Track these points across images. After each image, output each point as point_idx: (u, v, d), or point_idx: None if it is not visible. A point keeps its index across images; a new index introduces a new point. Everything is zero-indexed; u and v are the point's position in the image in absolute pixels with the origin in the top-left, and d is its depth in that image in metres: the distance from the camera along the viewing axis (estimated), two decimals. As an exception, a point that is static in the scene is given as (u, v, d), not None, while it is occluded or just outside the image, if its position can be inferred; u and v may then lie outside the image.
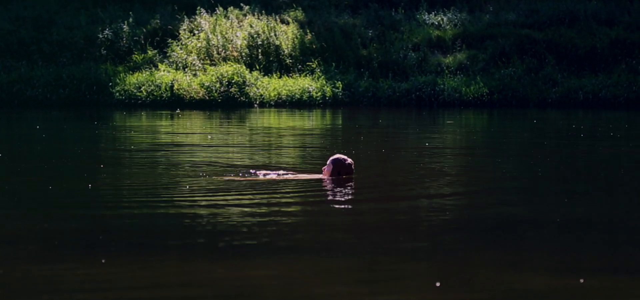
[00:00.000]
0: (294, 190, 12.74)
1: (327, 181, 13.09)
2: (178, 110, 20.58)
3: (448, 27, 36.97)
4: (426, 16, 37.52)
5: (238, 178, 13.49)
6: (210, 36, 35.30)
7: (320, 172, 13.60)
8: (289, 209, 11.44)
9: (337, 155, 13.33)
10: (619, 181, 14.44)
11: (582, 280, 7.88)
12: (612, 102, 33.61)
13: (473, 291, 7.65)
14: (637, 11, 36.90)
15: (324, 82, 33.79)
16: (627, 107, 33.09)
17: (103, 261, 8.51)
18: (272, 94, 33.31)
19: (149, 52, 35.01)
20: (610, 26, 36.30)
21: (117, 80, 33.24)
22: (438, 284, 7.69)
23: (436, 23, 37.23)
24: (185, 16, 36.62)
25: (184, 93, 32.88)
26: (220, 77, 33.28)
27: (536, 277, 8.08)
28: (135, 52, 35.07)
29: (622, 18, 36.64)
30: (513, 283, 7.90)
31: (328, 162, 13.29)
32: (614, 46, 35.52)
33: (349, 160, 13.26)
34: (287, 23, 36.50)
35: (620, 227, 10.44)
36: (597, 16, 36.68)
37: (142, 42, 35.55)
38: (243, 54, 35.03)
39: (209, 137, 21.54)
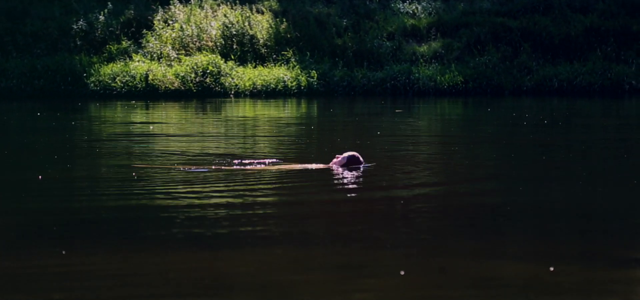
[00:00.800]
0: (269, 181, 12.74)
1: (335, 170, 13.32)
2: (151, 127, 20.47)
3: (422, 15, 37.02)
4: (401, 5, 37.55)
5: (241, 167, 13.59)
6: (184, 26, 35.20)
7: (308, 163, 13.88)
8: (264, 200, 11.44)
9: (353, 153, 13.56)
10: (594, 169, 14.51)
11: (552, 269, 7.92)
12: (587, 89, 33.77)
13: (447, 279, 7.68)
14: (611, -2, 37.09)
15: (299, 72, 33.77)
16: (602, 94, 33.26)
17: (64, 251, 8.47)
18: (247, 84, 33.27)
19: (124, 43, 34.88)
20: (584, 14, 36.45)
21: (92, 71, 33.10)
22: (402, 273, 7.71)
23: (411, 12, 37.28)
24: (159, 6, 36.50)
25: (159, 84, 32.79)
26: (195, 67, 33.21)
27: (510, 265, 8.12)
28: (110, 43, 34.92)
29: (596, 5, 36.80)
30: (487, 271, 7.93)
31: (343, 156, 13.49)
32: (589, 34, 35.67)
33: (361, 159, 13.59)
34: (262, 13, 36.45)
35: (594, 215, 10.50)
36: (571, 4, 36.83)
37: (117, 32, 35.41)
38: (218, 43, 34.96)
39: (151, 127, 21.36)
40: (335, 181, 12.71)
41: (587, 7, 36.79)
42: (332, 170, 13.40)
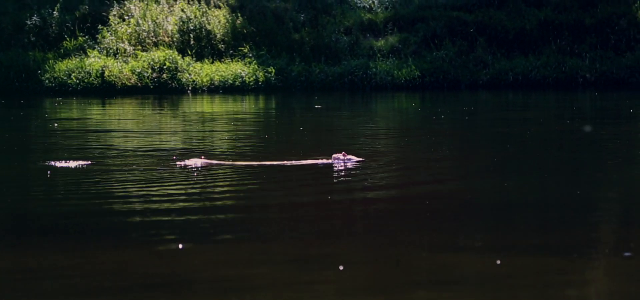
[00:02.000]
0: (230, 178, 12.73)
1: (336, 162, 13.52)
2: (56, 124, 20.26)
3: (379, 10, 37.11)
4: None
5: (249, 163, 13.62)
6: (140, 22, 35.00)
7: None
8: (224, 196, 11.43)
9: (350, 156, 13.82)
10: (549, 161, 14.65)
11: (508, 261, 8.00)
12: (542, 82, 34.06)
13: (405, 273, 7.73)
14: (564, -8, 37.39)
15: (256, 67, 33.74)
16: (556, 87, 33.56)
17: (18, 250, 8.43)
18: (204, 80, 33.17)
19: (80, 39, 34.61)
20: (538, 8, 36.73)
21: (47, 67, 32.83)
22: (341, 267, 7.75)
23: (367, 6, 37.35)
24: (114, 2, 36.26)
25: (115, 80, 32.60)
26: (151, 63, 33.05)
27: (468, 258, 8.18)
28: (66, 39, 34.64)
29: None
30: (444, 263, 7.99)
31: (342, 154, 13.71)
32: (543, 27, 35.96)
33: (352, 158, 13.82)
34: (219, 7, 36.34)
35: (551, 206, 10.61)
36: (525, -2, 37.10)
37: (72, 28, 35.14)
38: (174, 39, 34.80)
39: (55, 124, 21.12)
40: (295, 178, 12.72)
41: (541, 1, 37.07)
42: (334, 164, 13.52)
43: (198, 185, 11.92)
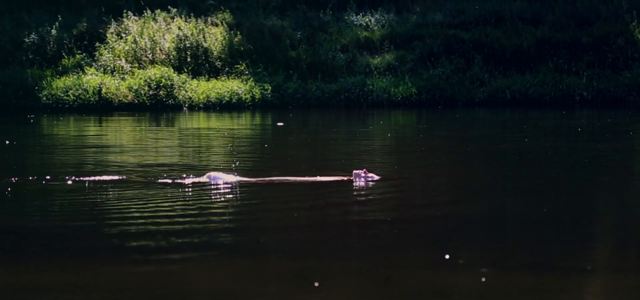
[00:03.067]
0: (224, 195, 12.72)
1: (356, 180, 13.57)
2: (7, 142, 20.15)
3: (376, 27, 37.17)
4: (354, 17, 37.68)
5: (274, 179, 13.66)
6: (137, 39, 35.05)
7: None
8: (218, 213, 11.43)
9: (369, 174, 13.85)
10: (546, 178, 14.66)
11: (504, 278, 8.00)
12: (539, 100, 34.10)
13: (399, 290, 7.72)
14: (561, 10, 37.47)
15: (253, 84, 33.76)
16: (553, 105, 33.59)
17: (13, 267, 8.42)
18: (201, 97, 33.19)
19: (77, 56, 34.64)
20: (535, 26, 36.80)
21: (44, 84, 32.85)
22: (316, 284, 7.75)
23: (364, 24, 37.41)
24: (112, 19, 36.31)
25: (112, 97, 32.63)
26: (148, 80, 33.08)
27: (462, 275, 8.18)
28: (64, 56, 34.67)
29: (547, 17, 37.17)
30: (439, 281, 7.99)
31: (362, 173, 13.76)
32: (540, 45, 36.02)
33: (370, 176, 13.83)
34: (216, 25, 36.39)
35: (547, 224, 10.61)
36: (522, 16, 37.17)
37: (70, 45, 35.17)
38: (171, 56, 34.83)
39: (7, 142, 20.90)
40: (290, 195, 12.73)
41: (538, 19, 37.15)
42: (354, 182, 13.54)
43: (195, 202, 11.91)
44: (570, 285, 7.87)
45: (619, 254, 9.02)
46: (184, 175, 14.10)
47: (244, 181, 13.59)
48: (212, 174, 13.78)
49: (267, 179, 13.76)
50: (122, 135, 23.47)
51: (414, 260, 8.72)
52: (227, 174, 13.86)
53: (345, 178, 13.73)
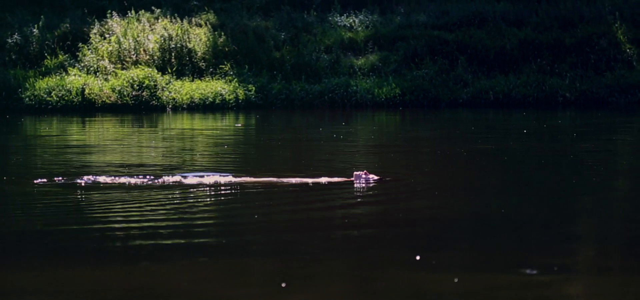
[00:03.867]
0: (207, 195, 12.71)
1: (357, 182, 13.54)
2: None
3: (360, 28, 37.20)
4: (338, 18, 37.70)
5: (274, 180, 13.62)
6: (121, 40, 34.96)
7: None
8: (202, 213, 11.41)
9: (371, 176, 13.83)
10: (528, 178, 14.70)
11: (487, 278, 8.01)
12: (522, 101, 34.19)
13: (381, 291, 7.73)
14: (544, 12, 37.59)
15: (237, 85, 33.74)
16: (537, 106, 33.68)
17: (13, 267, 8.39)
18: (184, 98, 33.14)
19: (60, 57, 34.53)
20: (518, 27, 36.90)
21: (27, 85, 32.74)
22: (283, 285, 7.75)
23: (348, 25, 37.44)
24: (95, 20, 36.21)
25: (96, 97, 32.54)
26: (131, 81, 33.01)
27: (444, 276, 8.19)
28: (47, 57, 34.56)
29: (530, 19, 37.28)
30: (421, 283, 8.00)
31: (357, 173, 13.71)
32: (523, 47, 36.13)
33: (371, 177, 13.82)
34: (201, 26, 36.34)
35: (529, 224, 10.64)
36: (505, 17, 37.27)
37: (53, 46, 35.05)
38: (155, 57, 34.76)
39: None
40: (275, 196, 12.72)
41: (521, 20, 37.25)
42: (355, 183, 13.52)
43: (179, 202, 11.89)
44: (553, 284, 7.89)
45: (602, 254, 9.05)
46: (169, 175, 14.07)
47: (240, 182, 13.56)
48: (205, 173, 13.75)
49: (265, 179, 13.73)
50: (105, 136, 23.42)
51: (396, 262, 8.73)
52: (222, 175, 13.84)
53: (346, 179, 13.71)
